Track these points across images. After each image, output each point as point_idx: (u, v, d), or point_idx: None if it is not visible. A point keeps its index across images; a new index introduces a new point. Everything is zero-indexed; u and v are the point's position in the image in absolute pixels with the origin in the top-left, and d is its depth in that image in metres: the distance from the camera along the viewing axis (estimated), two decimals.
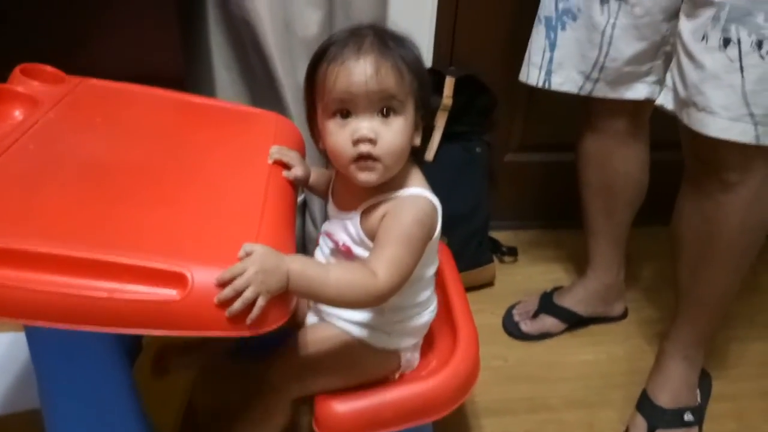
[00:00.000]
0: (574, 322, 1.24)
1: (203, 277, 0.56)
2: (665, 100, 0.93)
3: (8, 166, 0.65)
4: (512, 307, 1.28)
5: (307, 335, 0.75)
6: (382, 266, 0.63)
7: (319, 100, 0.69)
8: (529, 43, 1.06)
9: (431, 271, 0.76)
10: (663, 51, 0.96)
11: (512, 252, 1.45)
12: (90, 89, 0.87)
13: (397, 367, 0.76)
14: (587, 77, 1.01)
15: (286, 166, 0.79)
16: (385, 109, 0.66)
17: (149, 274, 0.56)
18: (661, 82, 0.99)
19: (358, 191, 0.72)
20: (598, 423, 1.06)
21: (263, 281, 0.55)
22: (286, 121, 0.93)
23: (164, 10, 0.97)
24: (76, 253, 0.55)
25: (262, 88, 1.16)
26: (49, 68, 0.86)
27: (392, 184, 0.71)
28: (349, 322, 0.74)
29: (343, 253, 0.74)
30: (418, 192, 0.71)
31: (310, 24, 1.09)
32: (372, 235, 0.69)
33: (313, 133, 0.76)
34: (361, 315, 0.74)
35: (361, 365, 0.73)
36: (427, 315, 0.77)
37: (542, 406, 1.09)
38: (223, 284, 0.56)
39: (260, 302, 0.55)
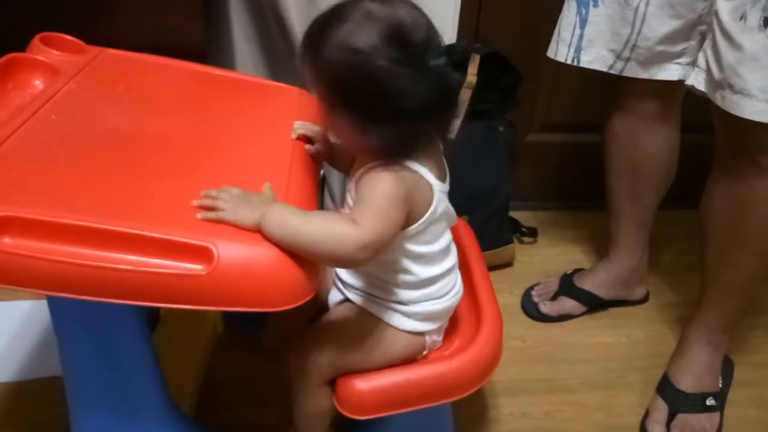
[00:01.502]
0: (595, 304, 1.23)
1: (229, 251, 0.56)
2: (696, 81, 0.90)
3: (31, 135, 0.64)
4: (531, 288, 1.27)
5: (332, 316, 0.74)
6: (360, 214, 0.60)
7: None
8: (559, 19, 1.03)
9: (437, 246, 0.72)
10: (698, 31, 0.93)
11: (532, 232, 1.43)
12: (110, 59, 0.85)
13: (422, 349, 0.75)
14: (618, 56, 0.98)
15: (310, 141, 0.78)
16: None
17: (174, 248, 0.55)
18: (695, 64, 0.96)
19: (361, 162, 0.69)
20: (618, 406, 1.05)
21: (234, 208, 0.57)
22: (309, 96, 0.91)
23: None
24: (100, 224, 0.54)
25: (282, 61, 1.14)
26: (68, 38, 0.84)
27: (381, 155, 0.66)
28: (370, 299, 0.73)
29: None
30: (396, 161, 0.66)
31: None
32: None
33: None
34: (377, 290, 0.73)
35: (388, 347, 0.72)
36: (448, 300, 0.75)
37: (561, 387, 1.08)
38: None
39: (220, 215, 0.57)
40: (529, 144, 1.46)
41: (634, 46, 0.96)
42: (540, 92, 1.40)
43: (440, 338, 0.78)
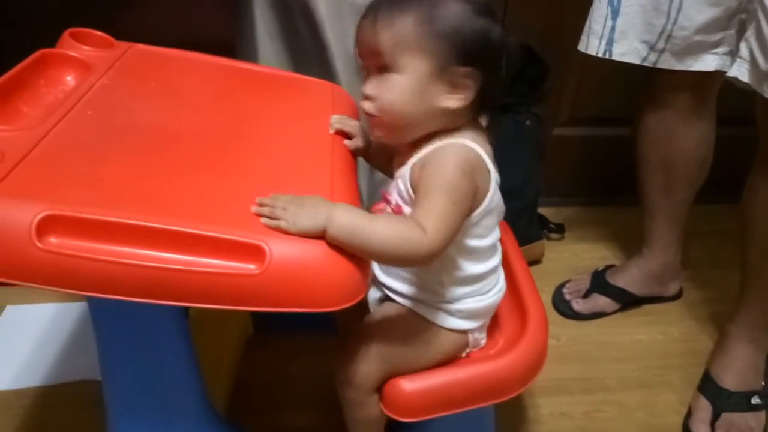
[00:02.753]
0: (628, 301, 1.20)
1: (282, 250, 0.53)
2: (739, 72, 0.87)
3: (69, 132, 0.62)
4: (562, 285, 1.24)
5: (374, 319, 0.72)
6: (427, 219, 0.59)
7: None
8: (590, 11, 1.00)
9: (484, 243, 0.70)
10: (737, 19, 0.90)
11: (560, 229, 1.40)
12: (140, 55, 0.83)
13: (464, 347, 0.73)
14: (652, 47, 0.96)
15: (347, 136, 0.76)
16: (381, 67, 0.64)
17: (226, 247, 0.53)
18: (733, 54, 0.93)
19: (406, 149, 0.69)
20: (658, 405, 1.03)
21: (294, 213, 0.54)
22: (342, 91, 0.89)
23: None
24: (149, 222, 0.52)
25: (308, 56, 1.12)
26: (98, 33, 0.82)
27: (439, 135, 0.66)
28: (415, 301, 0.71)
29: (395, 213, 0.70)
30: (458, 141, 0.65)
31: None
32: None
33: None
34: (423, 293, 0.70)
35: (433, 347, 0.70)
36: (493, 297, 0.73)
37: (599, 386, 1.05)
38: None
39: (281, 224, 0.54)
40: (555, 138, 1.43)
41: (669, 36, 0.93)
42: (566, 85, 1.37)
43: (483, 337, 0.76)
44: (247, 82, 0.84)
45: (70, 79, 0.74)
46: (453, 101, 0.64)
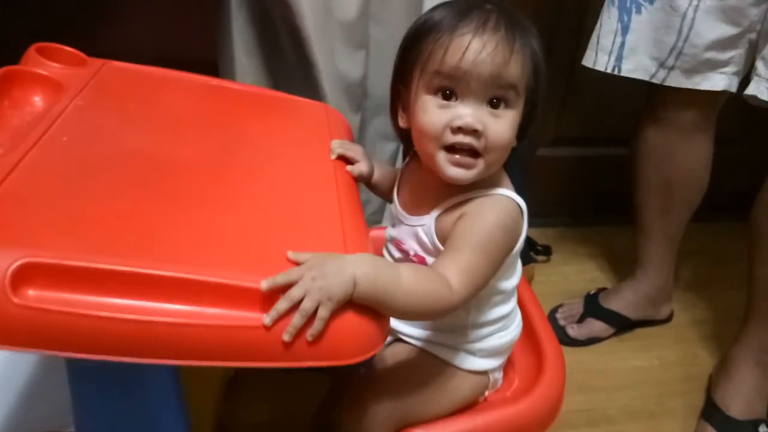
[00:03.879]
0: (623, 326, 1.17)
1: None
2: (758, 91, 0.85)
3: (43, 161, 0.54)
4: (554, 310, 1.21)
5: (387, 361, 0.65)
6: (457, 275, 0.53)
7: (420, 72, 0.59)
8: (598, 27, 0.98)
9: (513, 282, 0.67)
10: (747, 39, 0.89)
11: (546, 251, 1.37)
12: (116, 73, 0.75)
13: (485, 389, 0.68)
14: (661, 64, 0.94)
15: (349, 161, 0.70)
16: (495, 99, 0.57)
17: (234, 294, 0.46)
18: (740, 73, 0.92)
19: (435, 190, 0.62)
20: None
21: (323, 287, 0.46)
22: (336, 112, 0.83)
23: None
24: (142, 269, 0.45)
25: (292, 74, 1.05)
26: (68, 49, 0.74)
27: (477, 183, 0.61)
28: (433, 343, 0.65)
29: (414, 263, 0.65)
30: (504, 192, 0.61)
31: (350, 5, 0.98)
32: (446, 240, 0.60)
33: (392, 107, 0.66)
34: (444, 335, 0.65)
35: (453, 391, 0.64)
36: (513, 331, 0.68)
37: (603, 418, 1.02)
38: (275, 292, 0.46)
39: (322, 313, 0.46)
40: (539, 158, 1.40)
41: (680, 53, 0.91)
42: (551, 105, 1.35)
43: (501, 376, 0.71)
44: (235, 103, 0.77)
45: (38, 100, 0.66)
46: (514, 141, 0.60)
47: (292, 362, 0.48)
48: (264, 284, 0.45)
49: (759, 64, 0.85)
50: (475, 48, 0.55)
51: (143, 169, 0.57)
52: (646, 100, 1.04)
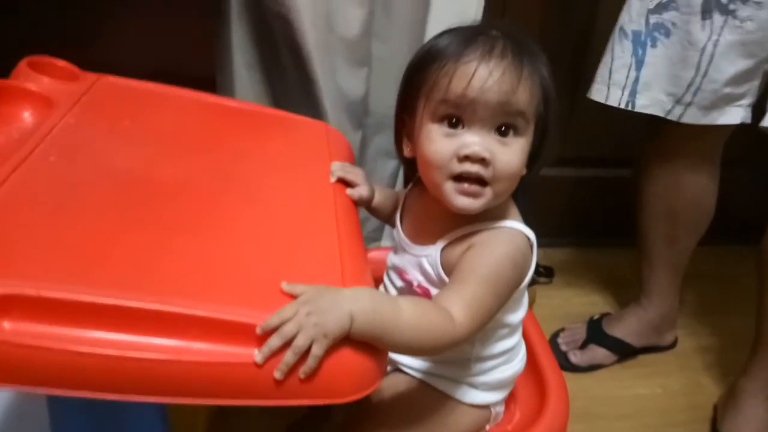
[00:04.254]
0: (626, 353, 1.14)
1: None
2: None
3: (27, 183, 0.52)
4: (556, 334, 1.18)
5: (385, 394, 0.62)
6: (461, 309, 0.51)
7: (426, 100, 0.56)
8: (608, 60, 0.95)
9: (519, 316, 0.64)
10: (763, 70, 0.87)
11: (549, 272, 1.35)
12: (110, 88, 0.73)
13: (486, 423, 0.65)
14: (678, 100, 0.90)
15: (350, 184, 0.68)
16: (504, 127, 0.55)
17: (223, 328, 0.44)
18: (753, 104, 0.90)
19: (441, 220, 0.60)
20: None
21: (318, 323, 0.43)
22: (336, 132, 0.81)
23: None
24: (128, 302, 0.42)
25: (292, 91, 1.03)
26: (60, 62, 0.72)
27: (485, 213, 0.58)
28: (433, 375, 0.63)
29: (418, 294, 0.62)
30: (514, 225, 0.59)
31: (353, 22, 0.97)
32: (452, 271, 0.57)
33: (397, 137, 0.64)
34: (446, 368, 0.62)
35: (453, 424, 0.62)
36: (517, 364, 0.66)
37: None
38: (268, 333, 0.43)
39: (316, 350, 0.43)
40: (542, 178, 1.38)
41: (698, 89, 0.88)
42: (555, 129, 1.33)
43: (503, 409, 0.68)
44: (233, 121, 0.75)
45: (27, 116, 0.64)
46: (524, 169, 0.58)
47: (284, 400, 0.45)
48: (258, 329, 0.43)
49: None
50: (482, 75, 0.53)
51: (133, 193, 0.55)
52: (649, 129, 1.02)
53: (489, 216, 0.58)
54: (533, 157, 0.59)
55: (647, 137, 1.03)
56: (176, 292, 0.45)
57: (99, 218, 0.50)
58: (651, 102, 0.92)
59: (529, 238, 0.59)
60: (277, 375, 0.43)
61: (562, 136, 1.34)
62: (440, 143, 0.55)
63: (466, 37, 0.55)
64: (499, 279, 0.54)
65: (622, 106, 0.94)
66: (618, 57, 0.93)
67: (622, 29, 0.92)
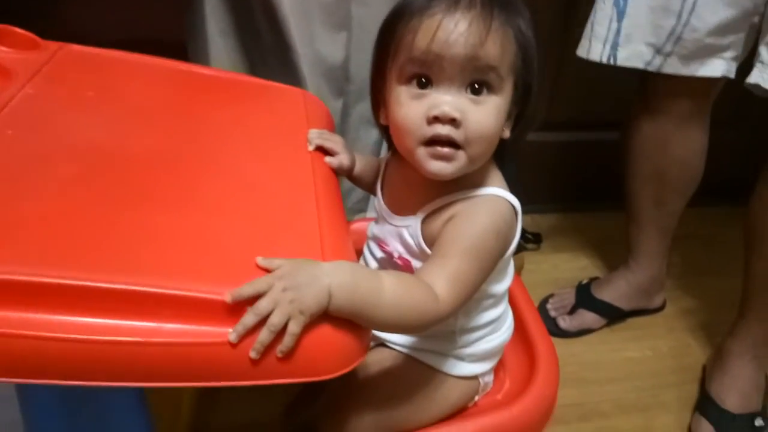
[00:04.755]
0: (615, 316, 1.14)
1: None
2: (762, 79, 0.80)
3: None
4: (545, 300, 1.17)
5: (370, 369, 0.61)
6: (444, 285, 0.49)
7: (392, 61, 0.53)
8: (592, 14, 0.92)
9: (505, 285, 0.63)
10: (749, 22, 0.84)
11: (537, 238, 1.33)
12: (73, 57, 0.69)
13: (475, 394, 0.64)
14: (658, 50, 0.88)
15: (329, 153, 0.65)
16: (476, 84, 0.51)
17: (195, 307, 0.41)
18: (738, 58, 0.87)
19: (421, 189, 0.57)
20: (657, 429, 0.97)
21: (294, 299, 0.41)
22: (314, 99, 0.78)
23: None
24: (92, 281, 0.40)
25: (268, 57, 1.00)
26: (19, 30, 0.68)
27: (465, 181, 0.56)
28: (419, 349, 0.61)
29: (398, 266, 0.60)
30: (496, 192, 0.56)
31: None
32: (433, 242, 0.55)
33: (374, 104, 0.60)
34: (430, 341, 0.61)
35: (441, 399, 0.60)
36: (503, 333, 0.64)
37: (594, 412, 0.98)
38: (241, 304, 0.41)
39: (293, 328, 0.41)
40: (529, 143, 1.36)
41: (679, 38, 0.86)
42: (540, 90, 1.30)
43: (492, 379, 0.67)
44: (205, 90, 0.71)
45: None
46: (507, 130, 0.55)
47: (262, 380, 0.43)
48: (228, 296, 0.41)
49: (762, 50, 0.81)
50: (447, 28, 0.49)
51: (97, 167, 0.52)
52: (638, 87, 0.99)
53: (470, 183, 0.56)
54: (517, 119, 0.56)
55: (636, 96, 1.01)
56: (145, 270, 0.42)
57: (61, 195, 0.47)
58: (631, 54, 0.90)
59: (513, 206, 0.56)
60: (253, 354, 0.41)
61: (549, 97, 1.32)
62: (409, 106, 0.52)
63: None
64: (483, 251, 0.52)
65: (604, 60, 0.91)
66: (600, 9, 0.91)
67: None
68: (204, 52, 1.05)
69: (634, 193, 1.06)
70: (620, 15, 0.88)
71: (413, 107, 0.52)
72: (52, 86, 0.63)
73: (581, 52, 0.94)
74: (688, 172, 1.02)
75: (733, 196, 1.16)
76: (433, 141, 0.52)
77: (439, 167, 0.53)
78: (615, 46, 0.90)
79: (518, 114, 0.56)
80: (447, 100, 0.51)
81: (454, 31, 0.49)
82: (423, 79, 0.52)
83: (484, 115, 0.51)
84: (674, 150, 0.99)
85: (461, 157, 0.52)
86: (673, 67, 0.88)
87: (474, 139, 0.52)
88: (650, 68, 0.90)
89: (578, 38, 0.97)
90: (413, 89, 0.52)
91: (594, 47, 0.92)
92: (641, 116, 1.00)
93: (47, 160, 0.51)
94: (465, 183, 0.55)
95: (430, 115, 0.51)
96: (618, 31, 0.89)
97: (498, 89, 0.52)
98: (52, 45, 0.70)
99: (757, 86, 0.81)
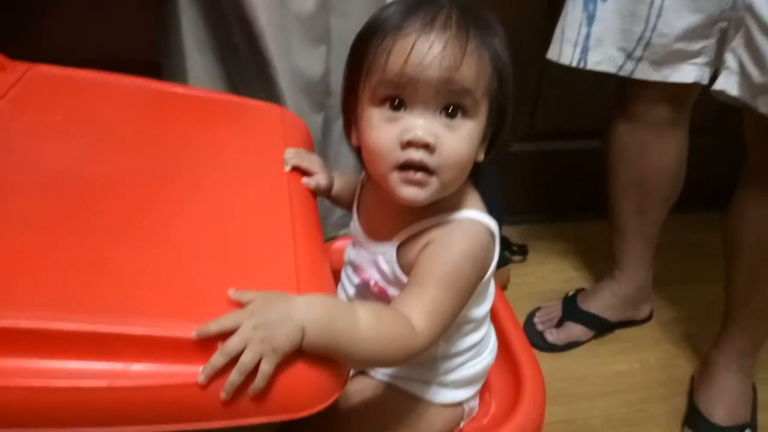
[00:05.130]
0: (603, 328, 1.13)
1: None
2: (727, 85, 0.80)
3: None
4: (532, 314, 1.16)
5: (351, 399, 0.58)
6: (422, 316, 0.47)
7: (365, 81, 0.51)
8: (562, 17, 0.92)
9: (485, 309, 0.61)
10: (718, 28, 0.84)
11: (522, 250, 1.32)
12: (42, 78, 0.68)
13: (460, 421, 0.62)
14: (629, 55, 0.88)
15: (305, 173, 0.63)
16: (451, 108, 0.50)
17: (162, 347, 0.40)
18: (711, 65, 0.87)
19: (396, 213, 0.55)
20: None
21: (266, 338, 0.39)
22: (292, 116, 0.76)
23: None
24: (50, 321, 0.38)
25: (247, 71, 0.98)
26: None
27: (441, 205, 0.54)
28: (400, 377, 0.59)
29: (374, 294, 0.58)
30: (472, 216, 0.55)
31: None
32: (410, 270, 0.53)
33: (346, 124, 0.58)
34: (412, 369, 0.59)
35: (425, 426, 0.59)
36: (486, 357, 0.63)
37: (583, 428, 0.97)
38: (212, 341, 0.39)
39: (265, 367, 0.39)
40: (512, 154, 1.35)
41: (648, 43, 0.86)
42: (523, 100, 1.29)
43: (477, 404, 0.65)
44: (179, 110, 0.69)
45: None
46: (482, 154, 0.53)
47: (235, 420, 0.41)
48: (194, 333, 0.39)
49: (728, 57, 0.80)
50: (421, 49, 0.48)
51: (63, 197, 0.50)
52: (616, 95, 0.99)
53: (446, 207, 0.54)
54: (492, 141, 0.54)
55: (613, 102, 1.00)
56: (110, 309, 0.40)
57: (23, 227, 0.45)
58: (602, 58, 0.90)
59: (490, 230, 0.55)
60: (224, 396, 0.39)
61: (532, 107, 1.31)
62: (381, 129, 0.50)
63: (409, 7, 0.50)
64: (460, 279, 0.50)
65: (574, 64, 0.91)
66: (570, 13, 0.90)
67: None
68: (181, 67, 1.03)
69: (616, 202, 1.05)
70: (590, 19, 0.88)
71: (385, 130, 0.50)
72: (19, 109, 0.61)
73: (552, 55, 0.94)
74: (668, 179, 1.01)
75: (715, 201, 1.15)
76: (406, 166, 0.50)
77: (412, 193, 0.51)
78: (585, 50, 0.90)
79: (493, 136, 0.54)
80: (420, 124, 0.49)
81: (428, 53, 0.48)
82: (396, 102, 0.50)
83: (458, 140, 0.50)
84: (653, 157, 0.98)
85: (434, 182, 0.51)
86: (645, 72, 0.88)
87: (447, 165, 0.50)
88: (622, 73, 0.90)
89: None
90: (386, 112, 0.50)
91: (564, 51, 0.91)
92: (619, 123, 1.00)
93: (9, 189, 0.49)
94: (441, 207, 0.54)
95: (403, 139, 0.49)
96: (588, 35, 0.89)
97: (473, 113, 0.50)
98: (20, 66, 0.68)
99: (722, 93, 0.81)
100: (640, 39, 0.87)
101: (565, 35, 0.92)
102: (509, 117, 0.54)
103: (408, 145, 0.49)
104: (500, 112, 0.53)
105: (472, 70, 0.49)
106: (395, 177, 0.51)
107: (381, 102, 0.51)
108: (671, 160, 1.00)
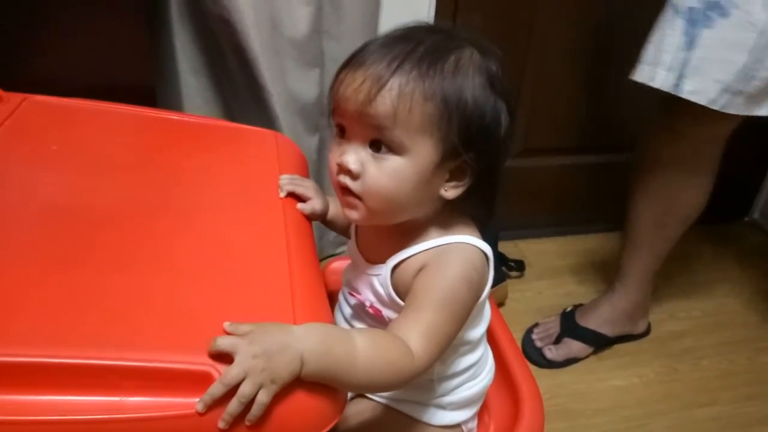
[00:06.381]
0: (601, 344, 1.13)
1: None
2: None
3: None
4: (530, 330, 1.16)
5: (350, 421, 0.59)
6: (419, 340, 0.48)
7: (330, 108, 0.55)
8: (658, 38, 0.87)
9: (481, 330, 0.61)
10: None
11: (519, 266, 1.32)
12: (37, 109, 0.68)
13: None
14: (726, 88, 0.83)
15: (301, 198, 0.64)
16: (375, 141, 0.50)
17: (162, 378, 0.40)
18: None
19: (390, 237, 0.56)
20: None
21: (266, 369, 0.40)
22: (287, 140, 0.77)
23: (127, 4, 0.79)
24: (50, 357, 0.38)
25: (241, 96, 0.99)
26: None
27: (434, 229, 0.55)
28: (397, 399, 0.59)
29: (370, 315, 0.59)
30: (466, 240, 0.55)
31: (300, 21, 0.92)
32: (405, 293, 0.54)
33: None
34: (409, 391, 0.59)
35: None
36: (484, 378, 0.63)
37: None
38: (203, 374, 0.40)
39: (262, 398, 0.40)
40: (508, 170, 1.35)
41: (752, 77, 0.81)
42: (518, 116, 1.30)
43: (475, 425, 0.65)
44: (173, 138, 0.70)
45: None
46: (452, 191, 0.53)
47: None
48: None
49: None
50: (346, 83, 0.50)
51: (59, 226, 0.50)
52: (661, 107, 0.95)
53: (439, 231, 0.55)
54: (478, 177, 0.53)
55: (659, 116, 0.98)
56: (106, 341, 0.40)
57: (17, 257, 0.46)
58: (698, 88, 0.84)
59: (484, 253, 0.55)
60: (221, 425, 0.39)
61: (527, 123, 1.32)
62: (331, 153, 0.54)
63: (383, 42, 0.51)
64: (455, 302, 0.51)
65: (669, 89, 0.86)
66: (668, 35, 0.85)
67: (673, 5, 0.85)
68: (176, 92, 1.04)
69: (639, 213, 1.04)
70: (689, 44, 0.83)
71: (332, 155, 0.54)
72: (14, 140, 0.61)
73: (641, 77, 0.89)
74: (699, 196, 1.00)
75: (714, 215, 1.16)
76: (342, 188, 0.53)
77: (348, 213, 0.54)
78: (681, 77, 0.85)
79: (478, 172, 0.53)
80: (349, 151, 0.51)
81: (349, 87, 0.50)
82: (341, 130, 0.53)
83: (381, 174, 0.51)
84: (689, 172, 0.97)
85: (361, 207, 0.52)
86: (737, 108, 0.84)
87: (371, 194, 0.51)
88: (714, 107, 0.85)
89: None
90: (336, 138, 0.53)
91: (659, 73, 0.87)
92: (661, 136, 0.97)
93: (6, 220, 0.50)
94: (433, 231, 0.55)
95: (336, 163, 0.52)
96: (686, 62, 0.85)
97: (400, 150, 0.50)
98: (15, 97, 0.68)
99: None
100: (741, 71, 0.81)
101: (661, 58, 0.86)
102: (491, 156, 0.52)
103: (339, 169, 0.52)
104: (476, 151, 0.51)
105: (387, 107, 0.48)
106: (340, 197, 0.54)
107: (336, 128, 0.54)
108: (705, 180, 0.99)
